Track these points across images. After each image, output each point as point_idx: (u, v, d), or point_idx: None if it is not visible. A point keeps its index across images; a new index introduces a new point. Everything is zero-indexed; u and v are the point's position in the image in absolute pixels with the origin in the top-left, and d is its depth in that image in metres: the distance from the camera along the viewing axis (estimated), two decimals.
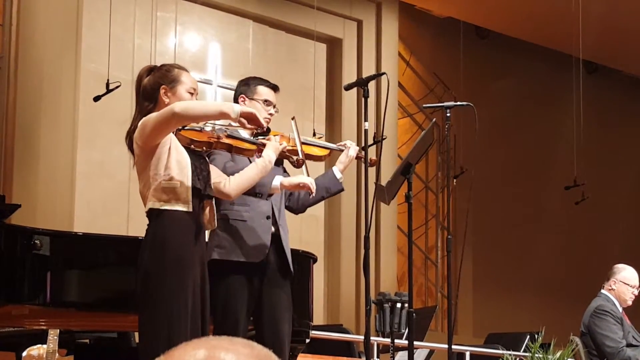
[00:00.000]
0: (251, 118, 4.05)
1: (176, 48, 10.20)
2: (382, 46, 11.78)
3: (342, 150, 4.73)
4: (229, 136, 4.32)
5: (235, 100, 4.71)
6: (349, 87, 4.97)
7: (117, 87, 8.80)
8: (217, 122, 4.26)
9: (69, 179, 9.26)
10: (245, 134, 4.46)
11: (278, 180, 4.52)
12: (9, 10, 9.49)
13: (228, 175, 4.39)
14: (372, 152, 4.99)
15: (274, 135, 4.59)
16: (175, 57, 9.99)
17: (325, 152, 4.73)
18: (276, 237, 4.58)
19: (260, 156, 4.42)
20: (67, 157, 9.29)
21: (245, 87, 4.72)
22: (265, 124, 4.20)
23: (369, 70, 11.33)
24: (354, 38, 11.68)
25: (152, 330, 4.00)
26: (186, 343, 1.39)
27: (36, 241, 4.69)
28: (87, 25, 9.51)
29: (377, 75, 5.18)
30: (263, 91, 4.69)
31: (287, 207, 4.78)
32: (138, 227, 8.84)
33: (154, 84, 4.17)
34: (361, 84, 4.81)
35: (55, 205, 9.10)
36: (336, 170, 4.73)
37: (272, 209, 4.59)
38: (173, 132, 4.14)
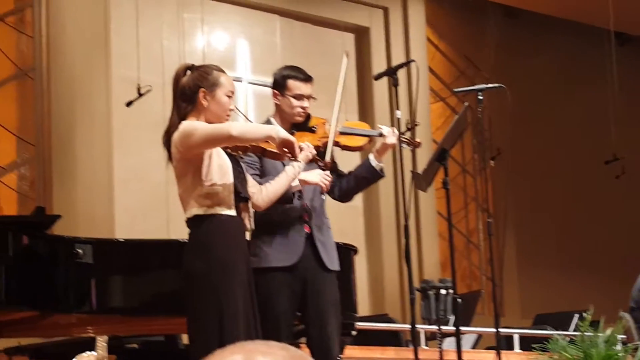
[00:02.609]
0: (288, 145, 4.11)
1: (204, 48, 10.24)
2: (410, 32, 11.73)
3: (380, 136, 4.69)
4: None
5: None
6: (378, 77, 4.95)
7: (148, 91, 8.85)
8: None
9: (107, 186, 9.32)
10: None
11: (296, 181, 4.49)
12: (38, 22, 9.57)
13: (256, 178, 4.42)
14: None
15: (313, 126, 4.60)
16: (204, 56, 10.02)
17: (364, 140, 4.69)
18: (310, 236, 4.56)
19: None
20: (103, 163, 9.35)
21: (277, 83, 4.69)
22: (297, 154, 4.20)
23: (398, 56, 11.28)
24: (381, 26, 11.63)
25: (203, 336, 4.01)
26: (222, 349, 1.39)
27: (78, 250, 4.73)
28: (115, 31, 9.56)
29: (406, 64, 5.14)
30: (293, 85, 4.64)
31: (333, 198, 4.76)
32: (178, 229, 8.88)
33: (193, 86, 4.15)
34: (390, 73, 4.78)
35: (95, 213, 9.16)
36: (372, 158, 4.69)
37: (306, 207, 4.57)
38: None
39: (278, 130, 4.12)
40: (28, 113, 9.57)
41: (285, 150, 4.12)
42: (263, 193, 4.35)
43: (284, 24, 10.89)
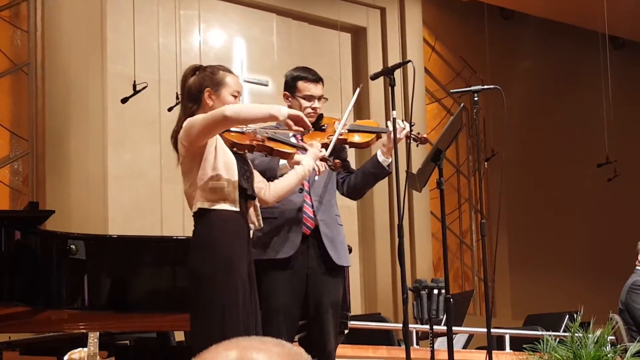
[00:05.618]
0: (297, 120, 4.08)
1: (201, 45, 10.23)
2: (407, 32, 11.74)
3: (387, 133, 4.70)
4: (270, 139, 4.32)
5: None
6: (375, 77, 4.95)
7: (144, 87, 8.84)
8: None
9: (101, 182, 9.31)
10: (285, 135, 4.43)
11: (284, 161, 4.46)
12: (34, 17, 9.56)
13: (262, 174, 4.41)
14: (401, 142, 4.95)
15: (323, 125, 4.61)
16: (201, 54, 10.02)
17: (371, 137, 4.70)
18: (316, 230, 4.56)
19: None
20: (98, 160, 9.34)
21: (287, 85, 4.71)
22: (310, 125, 4.15)
23: (394, 57, 11.30)
24: (378, 26, 11.65)
25: (207, 332, 4.01)
26: (217, 345, 1.39)
27: (71, 246, 4.72)
28: (111, 27, 9.55)
29: (403, 64, 5.13)
30: (303, 87, 4.66)
31: (342, 194, 4.77)
32: (172, 226, 8.92)
33: (199, 86, 4.18)
34: (387, 73, 4.78)
35: (88, 209, 9.16)
36: (379, 153, 4.71)
37: (311, 201, 4.58)
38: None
39: (280, 108, 4.07)
40: (22, 108, 9.57)
41: (294, 125, 4.07)
42: (271, 189, 4.35)
43: (281, 23, 10.89)
